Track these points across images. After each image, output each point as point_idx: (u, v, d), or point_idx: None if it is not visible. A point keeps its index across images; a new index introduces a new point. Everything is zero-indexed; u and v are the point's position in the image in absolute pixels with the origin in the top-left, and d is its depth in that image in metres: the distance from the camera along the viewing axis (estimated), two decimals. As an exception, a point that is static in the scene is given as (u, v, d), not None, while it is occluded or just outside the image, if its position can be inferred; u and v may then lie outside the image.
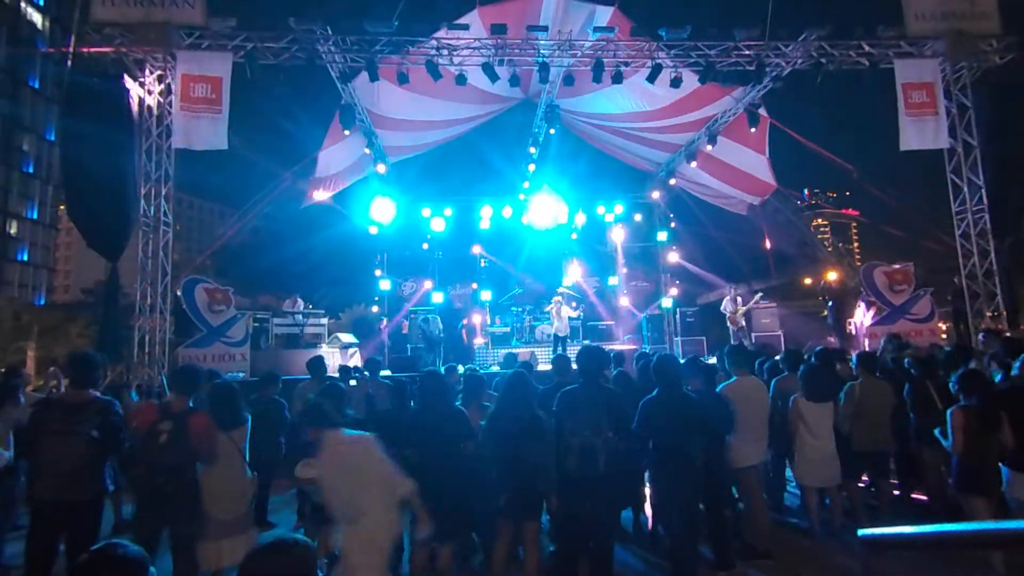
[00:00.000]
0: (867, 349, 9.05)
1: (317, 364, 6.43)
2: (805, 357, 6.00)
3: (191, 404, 3.88)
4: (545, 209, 13.98)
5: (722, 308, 12.82)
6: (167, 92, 8.81)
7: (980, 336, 7.38)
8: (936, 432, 4.33)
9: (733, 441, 4.70)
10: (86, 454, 3.63)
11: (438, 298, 15.84)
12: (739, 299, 12.63)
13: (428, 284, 16.46)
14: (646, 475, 4.82)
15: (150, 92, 8.82)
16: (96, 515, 3.77)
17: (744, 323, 12.52)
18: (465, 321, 14.25)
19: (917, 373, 5.38)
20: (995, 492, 4.00)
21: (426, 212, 16.02)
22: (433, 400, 4.17)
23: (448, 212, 16.15)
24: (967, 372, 4.26)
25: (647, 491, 4.70)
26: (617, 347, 13.40)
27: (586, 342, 13.60)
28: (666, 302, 16.00)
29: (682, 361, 5.05)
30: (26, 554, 3.61)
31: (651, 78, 9.45)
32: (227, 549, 3.71)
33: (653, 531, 4.97)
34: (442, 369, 7.12)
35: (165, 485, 3.62)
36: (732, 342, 12.12)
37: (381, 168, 12.86)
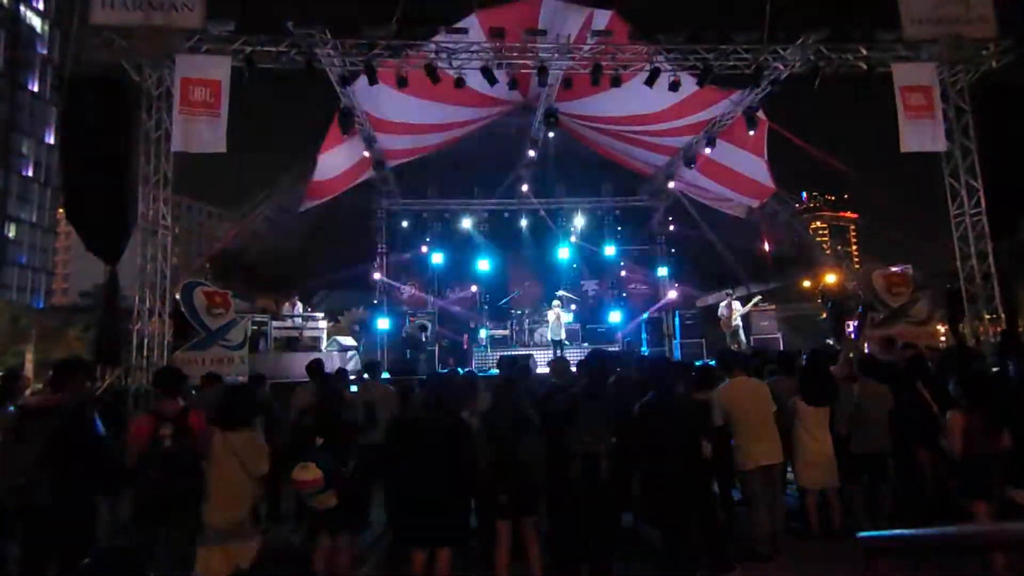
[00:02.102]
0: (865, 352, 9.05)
1: (316, 367, 6.41)
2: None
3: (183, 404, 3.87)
4: None
5: (719, 313, 12.83)
6: (166, 95, 8.82)
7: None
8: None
9: (734, 443, 4.70)
10: (58, 460, 3.53)
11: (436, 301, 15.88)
12: (733, 304, 12.65)
13: (427, 287, 16.45)
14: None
15: (149, 95, 8.82)
16: (87, 521, 3.71)
17: (740, 326, 12.51)
18: (472, 325, 14.30)
19: (912, 375, 5.38)
20: (996, 495, 4.00)
21: (425, 215, 16.05)
22: (439, 403, 4.17)
23: (447, 215, 16.19)
24: (968, 374, 4.26)
25: (646, 494, 4.69)
26: (616, 350, 13.41)
27: (585, 345, 13.62)
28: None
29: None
30: (20, 565, 3.56)
31: (649, 82, 9.48)
32: (227, 555, 3.59)
33: (652, 534, 4.96)
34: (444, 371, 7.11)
35: (174, 489, 3.59)
36: (729, 345, 12.15)
37: (380, 171, 12.88)
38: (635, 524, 5.30)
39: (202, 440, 3.72)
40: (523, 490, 3.96)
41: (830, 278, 14.26)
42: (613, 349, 13.69)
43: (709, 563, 4.41)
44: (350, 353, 11.84)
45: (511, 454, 3.90)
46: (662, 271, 17.03)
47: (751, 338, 12.50)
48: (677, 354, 13.41)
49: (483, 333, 14.53)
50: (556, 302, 13.69)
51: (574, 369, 5.68)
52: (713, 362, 10.03)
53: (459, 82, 9.35)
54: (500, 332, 14.94)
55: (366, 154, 12.11)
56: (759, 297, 13.18)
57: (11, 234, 48.91)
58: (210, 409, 4.80)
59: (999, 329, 9.29)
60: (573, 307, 15.21)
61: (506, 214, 16.26)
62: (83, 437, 3.71)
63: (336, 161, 11.75)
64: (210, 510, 3.65)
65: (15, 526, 3.57)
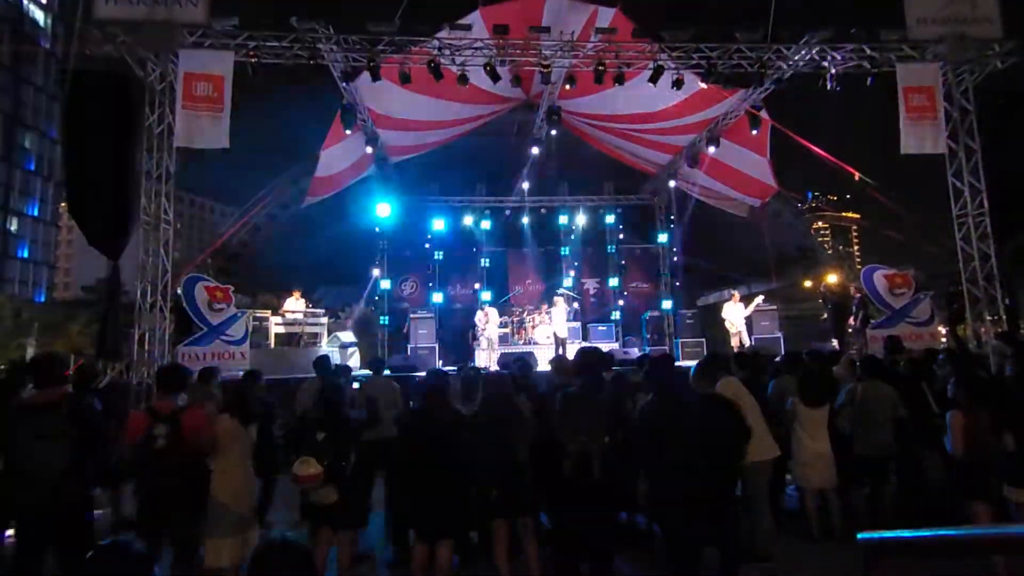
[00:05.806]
0: (868, 352, 9.04)
1: (323, 363, 6.38)
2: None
3: (180, 403, 3.85)
4: None
5: (723, 314, 12.81)
6: (169, 90, 8.81)
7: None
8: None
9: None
10: (65, 457, 3.45)
11: (438, 298, 15.89)
12: (739, 304, 12.63)
13: (428, 284, 16.47)
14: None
15: (152, 90, 8.81)
16: (85, 519, 3.64)
17: (744, 327, 12.50)
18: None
19: (913, 376, 5.37)
20: (996, 496, 4.00)
21: (427, 212, 16.06)
22: (434, 399, 4.17)
23: (449, 212, 16.19)
24: (967, 374, 4.25)
25: (646, 493, 4.68)
26: (616, 348, 13.40)
27: (585, 343, 13.61)
28: (666, 303, 16.04)
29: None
30: (14, 564, 3.51)
31: (653, 79, 9.46)
32: (230, 547, 3.65)
33: (651, 533, 4.96)
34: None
35: (171, 489, 3.57)
36: (733, 345, 12.15)
37: (382, 168, 12.88)
38: (631, 520, 5.30)
39: (200, 438, 3.69)
40: (517, 489, 3.95)
41: (832, 278, 14.24)
42: (611, 347, 13.67)
43: (721, 564, 4.40)
44: (350, 350, 11.86)
45: (504, 453, 3.89)
46: (663, 269, 17.02)
47: (752, 338, 12.50)
48: (677, 354, 13.41)
49: None
50: (558, 299, 13.68)
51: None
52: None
53: (462, 79, 9.33)
54: (501, 330, 14.95)
55: (368, 150, 12.09)
56: (761, 297, 13.17)
57: (13, 228, 48.95)
58: (213, 404, 4.80)
59: (998, 330, 9.25)
60: (575, 304, 15.22)
61: (507, 211, 16.27)
62: (90, 429, 3.68)
63: (338, 157, 11.74)
64: (225, 502, 3.69)
65: (34, 529, 3.45)
